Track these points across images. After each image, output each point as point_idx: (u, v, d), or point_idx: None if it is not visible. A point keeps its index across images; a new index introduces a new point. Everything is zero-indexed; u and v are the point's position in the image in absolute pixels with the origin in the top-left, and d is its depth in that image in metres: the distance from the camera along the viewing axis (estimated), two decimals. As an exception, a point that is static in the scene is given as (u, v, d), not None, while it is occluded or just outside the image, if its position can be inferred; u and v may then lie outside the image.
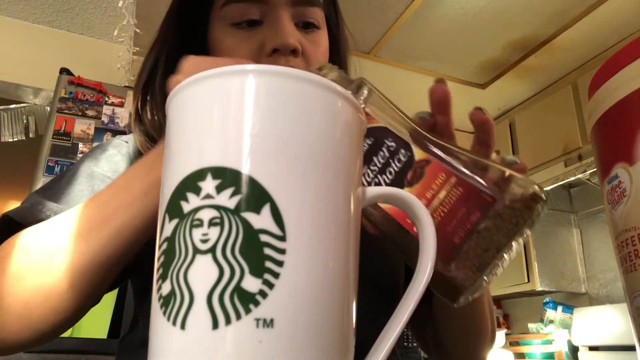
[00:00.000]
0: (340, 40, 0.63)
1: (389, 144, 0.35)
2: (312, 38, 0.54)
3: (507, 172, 0.32)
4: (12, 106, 2.25)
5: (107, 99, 1.88)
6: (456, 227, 0.33)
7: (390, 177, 0.35)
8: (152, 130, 0.54)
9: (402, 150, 0.35)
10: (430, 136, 0.35)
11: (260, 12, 0.51)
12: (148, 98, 0.57)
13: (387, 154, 0.35)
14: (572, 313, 2.40)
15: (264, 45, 0.50)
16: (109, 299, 1.47)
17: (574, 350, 2.28)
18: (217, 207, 0.22)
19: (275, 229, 0.21)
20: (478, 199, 0.32)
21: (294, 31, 0.51)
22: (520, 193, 0.32)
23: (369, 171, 0.36)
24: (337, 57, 0.62)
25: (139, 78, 0.58)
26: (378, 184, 0.35)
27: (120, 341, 0.54)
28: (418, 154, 0.34)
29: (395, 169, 0.35)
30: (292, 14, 0.52)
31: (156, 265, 0.24)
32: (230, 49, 0.52)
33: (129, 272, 0.54)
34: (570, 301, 2.60)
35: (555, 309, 2.47)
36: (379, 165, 0.35)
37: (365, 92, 0.37)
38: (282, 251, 0.21)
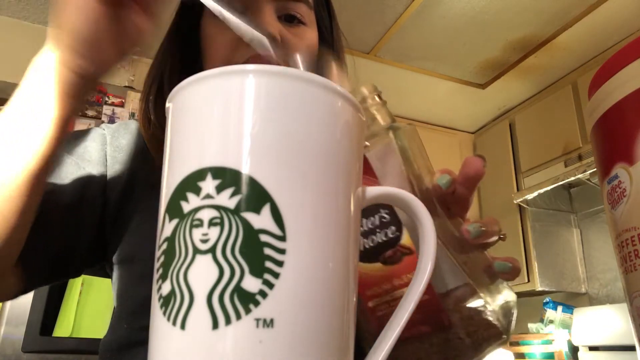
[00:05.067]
0: (333, 46, 0.62)
1: (383, 214, 0.34)
2: (295, 32, 0.54)
3: (481, 305, 0.31)
4: (12, 106, 2.24)
5: (107, 99, 1.88)
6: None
7: (370, 244, 0.34)
8: (159, 125, 0.55)
9: (392, 228, 0.33)
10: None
11: (243, 4, 0.52)
12: (155, 96, 0.57)
13: (377, 223, 0.34)
14: (572, 313, 2.40)
15: None
16: (109, 299, 1.47)
17: (574, 350, 2.28)
18: (217, 207, 0.22)
19: (275, 229, 0.21)
20: (436, 316, 0.32)
21: (274, 21, 0.52)
22: (479, 333, 0.31)
23: None
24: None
25: (149, 71, 0.59)
26: None
27: (103, 343, 0.52)
28: (406, 239, 0.33)
29: (379, 240, 0.34)
30: (276, 7, 0.53)
31: (156, 265, 0.24)
32: (212, 37, 0.53)
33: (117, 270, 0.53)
34: (570, 301, 2.59)
35: (555, 309, 2.47)
36: (365, 228, 0.34)
37: (391, 136, 0.34)
38: (282, 251, 0.21)
